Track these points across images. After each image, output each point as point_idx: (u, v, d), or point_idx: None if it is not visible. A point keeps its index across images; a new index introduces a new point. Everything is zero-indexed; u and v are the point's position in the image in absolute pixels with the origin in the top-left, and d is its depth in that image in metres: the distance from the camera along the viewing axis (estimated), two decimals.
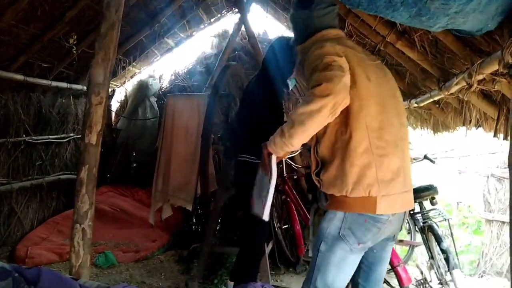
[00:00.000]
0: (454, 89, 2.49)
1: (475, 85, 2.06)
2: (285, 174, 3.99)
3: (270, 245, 3.88)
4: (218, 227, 4.49)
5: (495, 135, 2.52)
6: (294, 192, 3.97)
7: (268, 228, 3.41)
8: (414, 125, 4.80)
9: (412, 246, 4.29)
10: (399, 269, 2.65)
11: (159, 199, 3.99)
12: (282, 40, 3.20)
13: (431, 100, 3.14)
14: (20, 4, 3.19)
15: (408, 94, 3.76)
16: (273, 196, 4.02)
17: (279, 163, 3.90)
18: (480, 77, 2.02)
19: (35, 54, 3.88)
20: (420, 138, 4.95)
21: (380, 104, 1.70)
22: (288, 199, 3.99)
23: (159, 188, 3.99)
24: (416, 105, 3.59)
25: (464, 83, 2.27)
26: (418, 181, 3.93)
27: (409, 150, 1.85)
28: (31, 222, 4.48)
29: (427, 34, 2.46)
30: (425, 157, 4.18)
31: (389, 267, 2.72)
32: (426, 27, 1.80)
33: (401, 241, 4.48)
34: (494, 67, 1.83)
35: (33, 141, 4.39)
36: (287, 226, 4.28)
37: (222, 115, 4.11)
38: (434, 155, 4.84)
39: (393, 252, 2.74)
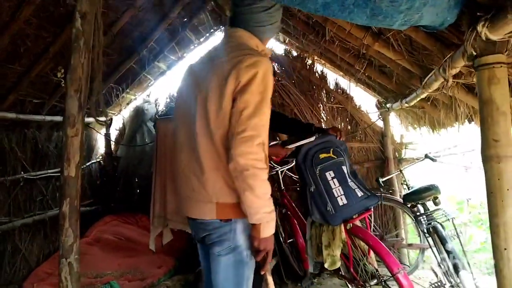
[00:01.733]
0: (435, 85, 2.43)
1: (451, 80, 1.99)
2: (282, 187, 3.93)
3: (274, 261, 3.81)
4: None
5: None
6: (294, 205, 3.90)
7: None
8: (412, 125, 4.71)
9: (422, 249, 4.17)
10: (400, 276, 2.55)
11: (158, 224, 3.95)
12: None
13: (418, 98, 3.08)
14: (2, 43, 3.25)
15: (399, 94, 3.70)
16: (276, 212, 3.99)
17: (275, 175, 3.87)
18: (454, 71, 1.96)
19: (24, 91, 3.93)
20: (420, 138, 4.85)
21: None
22: (289, 212, 3.93)
23: (156, 213, 3.96)
24: (407, 104, 3.53)
25: (441, 79, 2.20)
26: (421, 182, 3.84)
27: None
28: (37, 258, 4.48)
29: (400, 33, 2.41)
30: (426, 156, 4.09)
31: (389, 274, 2.64)
32: (387, 26, 1.75)
33: (410, 244, 4.39)
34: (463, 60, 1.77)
35: (32, 177, 4.42)
36: (292, 240, 4.20)
37: None
38: (437, 153, 4.70)
39: (392, 259, 2.65)
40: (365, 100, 5.25)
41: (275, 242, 3.91)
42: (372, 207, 2.88)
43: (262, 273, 1.80)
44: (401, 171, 4.49)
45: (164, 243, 4.11)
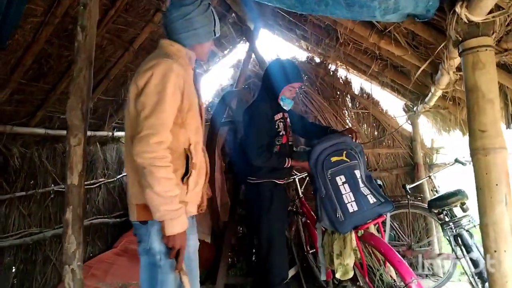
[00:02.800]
0: (444, 81, 2.27)
1: (451, 72, 1.85)
2: (301, 195, 3.83)
3: (293, 271, 3.70)
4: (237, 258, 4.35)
5: (508, 127, 2.26)
6: (313, 213, 3.78)
7: (286, 255, 3.25)
8: (442, 129, 4.45)
9: (453, 260, 3.89)
10: (413, 286, 2.38)
11: None
12: (274, 62, 3.21)
13: (435, 97, 2.90)
14: (26, 63, 3.44)
15: (420, 94, 3.53)
16: (294, 219, 3.90)
17: (292, 183, 3.78)
18: (453, 62, 1.82)
19: (52, 108, 4.13)
20: (453, 141, 4.57)
21: None
22: (308, 221, 3.81)
23: None
24: (427, 105, 3.34)
25: (447, 73, 2.06)
26: (451, 187, 3.61)
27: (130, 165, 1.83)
28: (81, 276, 4.62)
29: (400, 27, 2.29)
30: (456, 160, 3.87)
31: (403, 285, 2.48)
32: (370, 17, 1.68)
33: (439, 254, 4.12)
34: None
35: (62, 189, 4.60)
36: (314, 250, 4.07)
37: (229, 141, 4.09)
38: (468, 157, 4.41)
39: (404, 268, 2.48)
40: (392, 104, 5.06)
41: (296, 251, 3.85)
42: (385, 213, 2.72)
43: (176, 272, 1.75)
44: (429, 177, 4.26)
45: None
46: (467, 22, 1.43)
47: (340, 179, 2.66)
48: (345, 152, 2.77)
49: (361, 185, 2.67)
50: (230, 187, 4.07)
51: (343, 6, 1.57)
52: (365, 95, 5.00)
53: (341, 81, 5.09)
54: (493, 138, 1.44)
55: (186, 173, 1.85)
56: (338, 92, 5.09)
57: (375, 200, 2.64)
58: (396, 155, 4.88)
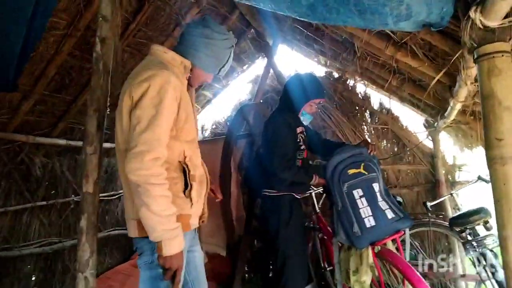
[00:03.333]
0: (462, 93, 2.21)
1: (469, 83, 1.79)
2: (318, 210, 3.76)
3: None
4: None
5: None
6: (329, 228, 3.71)
7: (304, 270, 3.17)
8: (464, 145, 4.32)
9: (478, 281, 3.72)
10: None
11: None
12: (295, 76, 3.20)
13: (455, 112, 2.82)
14: (49, 75, 3.55)
15: (440, 109, 3.45)
16: (311, 235, 3.83)
17: (309, 198, 3.72)
18: (470, 72, 1.76)
19: (73, 119, 4.23)
20: (476, 158, 4.43)
21: None
22: (325, 237, 3.73)
23: None
24: (447, 120, 3.25)
25: (464, 85, 2.00)
26: (473, 205, 3.48)
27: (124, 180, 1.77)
28: (93, 284, 4.66)
29: (416, 37, 2.26)
30: (479, 178, 3.72)
31: None
32: (383, 25, 1.66)
33: (463, 275, 3.94)
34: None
35: None
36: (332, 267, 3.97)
37: (246, 155, 4.08)
38: None
39: (424, 286, 2.38)
40: (413, 120, 4.97)
41: (314, 267, 3.76)
42: (403, 229, 2.63)
43: None
44: (451, 194, 4.13)
45: None
46: (482, 27, 1.39)
47: (358, 193, 2.58)
48: (363, 164, 2.68)
49: (380, 199, 2.58)
50: (246, 201, 4.05)
51: (355, 14, 1.56)
52: (384, 110, 4.93)
53: (360, 96, 5.03)
54: (510, 146, 1.37)
55: (187, 186, 1.80)
56: (357, 107, 5.03)
57: (393, 215, 2.55)
58: (417, 172, 4.76)
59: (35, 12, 2.53)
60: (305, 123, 3.15)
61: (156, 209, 1.56)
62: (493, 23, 1.36)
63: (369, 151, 2.84)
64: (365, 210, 2.58)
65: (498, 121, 1.40)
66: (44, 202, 4.31)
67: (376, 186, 2.61)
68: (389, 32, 2.50)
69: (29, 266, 4.16)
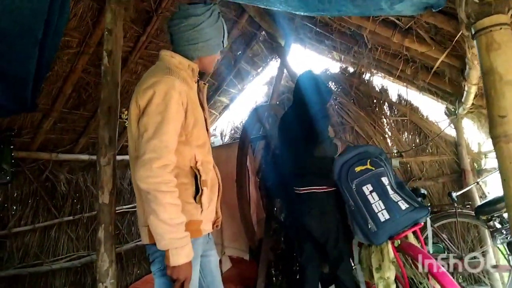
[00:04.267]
0: (474, 75, 2.13)
1: (476, 63, 1.73)
2: None
3: None
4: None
5: None
6: None
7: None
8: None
9: (510, 271, 3.56)
10: None
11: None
12: (309, 72, 3.14)
13: (471, 96, 2.73)
14: (66, 92, 3.66)
15: (457, 95, 3.34)
16: None
17: None
18: (476, 50, 1.69)
19: (94, 134, 4.33)
20: None
21: None
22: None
23: (213, 240, 3.98)
24: (467, 106, 3.15)
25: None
26: (498, 192, 3.35)
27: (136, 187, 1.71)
28: None
29: (420, 21, 2.20)
30: None
31: None
32: (378, 10, 1.63)
33: (495, 266, 3.78)
34: None
35: None
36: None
37: (264, 156, 4.07)
38: None
39: (447, 280, 2.30)
40: (434, 109, 4.85)
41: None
42: (421, 220, 2.55)
43: None
44: (478, 183, 4.00)
45: (224, 271, 4.10)
46: (477, 1, 1.33)
47: (367, 188, 2.54)
48: (369, 160, 2.65)
49: (391, 192, 2.53)
50: (265, 203, 4.03)
51: (347, 1, 1.53)
52: (403, 101, 4.82)
53: (377, 89, 4.95)
54: None
55: (198, 192, 1.76)
56: (375, 101, 4.95)
57: (407, 206, 2.48)
58: (441, 162, 4.63)
59: (46, 32, 2.61)
60: None
61: (165, 217, 1.54)
62: None
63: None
64: (377, 205, 2.53)
65: (500, 97, 1.33)
66: (71, 217, 4.43)
67: (385, 180, 2.56)
68: (394, 19, 2.45)
69: (60, 280, 4.26)
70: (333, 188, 2.78)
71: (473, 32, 1.42)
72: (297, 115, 2.99)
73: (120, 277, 4.85)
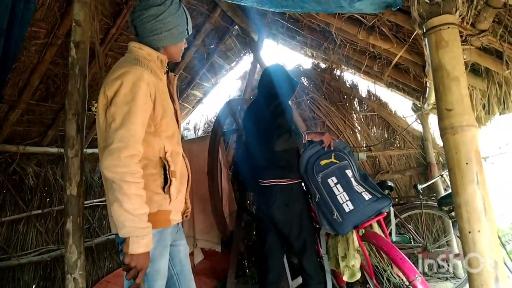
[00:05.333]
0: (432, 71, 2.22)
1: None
2: (310, 201, 3.78)
3: (300, 279, 3.63)
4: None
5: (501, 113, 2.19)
6: None
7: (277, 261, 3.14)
8: None
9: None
10: (417, 283, 2.30)
11: (188, 244, 3.99)
12: (276, 65, 3.17)
13: (433, 91, 2.83)
14: (33, 84, 3.59)
15: (422, 91, 3.46)
16: None
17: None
18: None
19: (62, 127, 4.26)
20: None
21: None
22: (317, 226, 3.76)
23: (185, 233, 4.00)
24: (431, 102, 3.27)
25: None
26: None
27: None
28: (86, 283, 4.72)
29: (382, 19, 2.28)
30: None
31: (407, 283, 2.41)
32: (339, 8, 1.68)
33: (457, 255, 3.97)
34: None
35: None
36: None
37: (236, 149, 4.11)
38: (486, 154, 4.30)
39: (407, 265, 2.42)
40: (402, 105, 4.99)
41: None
42: (384, 210, 2.65)
43: None
44: (442, 175, 4.16)
45: (196, 263, 4.13)
46: (428, 1, 1.41)
47: (332, 181, 2.64)
48: (333, 154, 2.76)
49: (354, 183, 2.63)
50: (238, 196, 4.08)
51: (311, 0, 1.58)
52: (372, 97, 4.95)
53: (347, 84, 5.06)
54: (459, 116, 1.40)
55: (166, 182, 1.78)
56: (345, 96, 5.06)
57: (370, 197, 2.59)
58: (408, 156, 4.79)
59: (12, 22, 2.56)
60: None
61: (128, 207, 1.55)
62: None
63: (322, 146, 2.83)
64: (342, 196, 2.63)
65: (447, 92, 1.42)
66: (40, 211, 4.36)
67: (349, 172, 2.67)
68: (359, 17, 2.52)
69: (28, 275, 4.20)
70: (297, 180, 2.83)
71: (424, 31, 1.50)
72: (261, 107, 3.03)
73: (91, 271, 4.81)
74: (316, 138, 2.84)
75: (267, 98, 2.96)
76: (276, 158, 2.86)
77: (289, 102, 3.07)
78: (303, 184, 2.95)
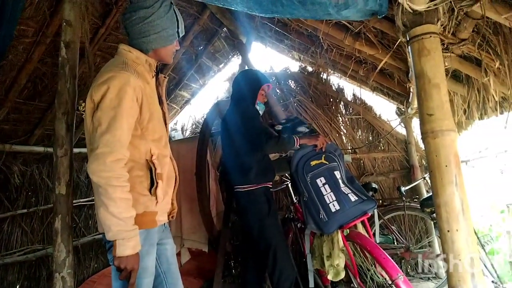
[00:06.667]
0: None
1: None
2: (295, 201, 3.84)
3: None
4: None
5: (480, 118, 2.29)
6: None
7: (290, 256, 3.20)
8: None
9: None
10: (399, 282, 2.38)
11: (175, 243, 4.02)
12: (245, 70, 3.28)
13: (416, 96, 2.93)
14: (21, 83, 3.58)
15: (406, 95, 3.56)
16: (291, 226, 3.90)
17: (286, 189, 3.80)
18: None
19: (50, 126, 4.25)
20: None
21: None
22: (303, 226, 3.82)
23: (173, 233, 4.03)
24: (414, 106, 3.37)
25: None
26: None
27: None
28: (71, 284, 4.69)
29: (368, 26, 2.36)
30: None
31: (389, 282, 2.48)
32: (326, 15, 1.75)
33: (438, 255, 4.07)
34: None
35: None
36: None
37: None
38: (466, 158, 4.42)
39: (390, 264, 2.49)
40: (386, 109, 5.09)
41: (294, 257, 3.83)
42: (369, 211, 2.73)
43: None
44: (424, 178, 4.26)
45: (183, 263, 4.16)
46: (411, 11, 1.49)
47: (321, 181, 2.73)
48: (324, 155, 2.86)
49: (342, 185, 2.72)
50: (224, 195, 4.12)
51: (298, 5, 1.64)
52: (358, 101, 5.05)
53: (333, 88, 5.14)
54: (440, 121, 1.48)
55: (152, 184, 1.80)
56: (332, 99, 5.13)
57: (356, 198, 2.68)
58: (392, 159, 4.89)
59: (0, 21, 2.56)
60: (260, 112, 3.21)
61: (114, 211, 1.57)
62: (420, 6, 1.45)
63: (315, 148, 2.92)
64: (329, 196, 2.71)
65: (428, 98, 1.50)
66: (25, 210, 4.32)
67: (337, 174, 2.76)
68: (346, 23, 2.60)
69: (13, 275, 4.17)
70: (257, 186, 2.94)
71: (407, 39, 1.58)
72: (231, 112, 3.13)
73: (77, 271, 4.79)
74: (310, 143, 2.93)
75: (234, 103, 3.14)
76: (237, 163, 2.97)
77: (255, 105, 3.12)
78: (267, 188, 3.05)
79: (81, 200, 4.96)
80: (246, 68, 3.20)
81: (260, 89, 3.07)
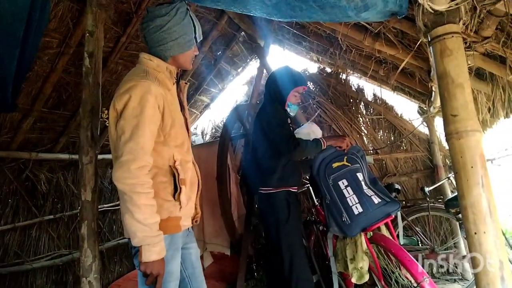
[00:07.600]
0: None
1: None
2: (316, 203, 3.82)
3: (315, 278, 3.67)
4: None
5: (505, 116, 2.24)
6: None
7: (307, 262, 3.19)
8: None
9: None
10: (425, 285, 2.34)
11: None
12: (273, 72, 3.24)
13: (438, 95, 2.88)
14: (46, 92, 3.68)
15: (429, 95, 3.50)
16: (313, 229, 3.87)
17: (307, 192, 3.78)
18: None
19: (74, 133, 4.35)
20: None
21: None
22: (325, 228, 3.79)
23: (195, 236, 4.05)
24: (436, 105, 3.31)
25: None
26: None
27: None
28: None
29: (388, 26, 2.34)
30: None
31: (415, 284, 2.44)
32: (346, 18, 1.74)
33: (464, 256, 3.99)
34: None
35: None
36: None
37: (244, 154, 4.16)
38: (491, 156, 4.32)
39: (415, 267, 2.45)
40: (408, 108, 5.03)
41: (316, 260, 3.81)
42: (393, 214, 2.69)
43: None
44: (449, 178, 4.18)
45: (206, 267, 4.18)
46: (432, 11, 1.47)
47: (343, 183, 2.68)
48: (345, 157, 2.81)
49: (364, 187, 2.67)
50: (246, 199, 4.14)
51: (317, 10, 1.64)
52: (378, 100, 5.00)
53: (353, 88, 5.11)
54: (464, 121, 1.45)
55: (176, 190, 1.83)
56: (351, 100, 5.11)
57: (379, 200, 2.63)
58: (415, 159, 4.82)
59: (27, 32, 2.64)
60: (292, 114, 3.17)
61: (139, 217, 1.61)
62: (441, 6, 1.44)
63: (338, 149, 2.89)
64: (351, 199, 2.67)
65: (452, 98, 1.47)
66: (52, 216, 4.43)
67: (360, 176, 2.71)
68: (365, 24, 2.58)
69: (41, 279, 4.27)
70: (278, 190, 2.95)
71: (429, 39, 1.56)
72: (263, 112, 3.12)
73: (101, 275, 4.87)
74: (336, 144, 2.91)
75: (264, 103, 3.13)
76: (261, 165, 2.99)
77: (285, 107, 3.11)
78: (291, 191, 3.04)
79: (105, 205, 5.06)
80: (283, 66, 3.14)
81: (293, 90, 3.05)
